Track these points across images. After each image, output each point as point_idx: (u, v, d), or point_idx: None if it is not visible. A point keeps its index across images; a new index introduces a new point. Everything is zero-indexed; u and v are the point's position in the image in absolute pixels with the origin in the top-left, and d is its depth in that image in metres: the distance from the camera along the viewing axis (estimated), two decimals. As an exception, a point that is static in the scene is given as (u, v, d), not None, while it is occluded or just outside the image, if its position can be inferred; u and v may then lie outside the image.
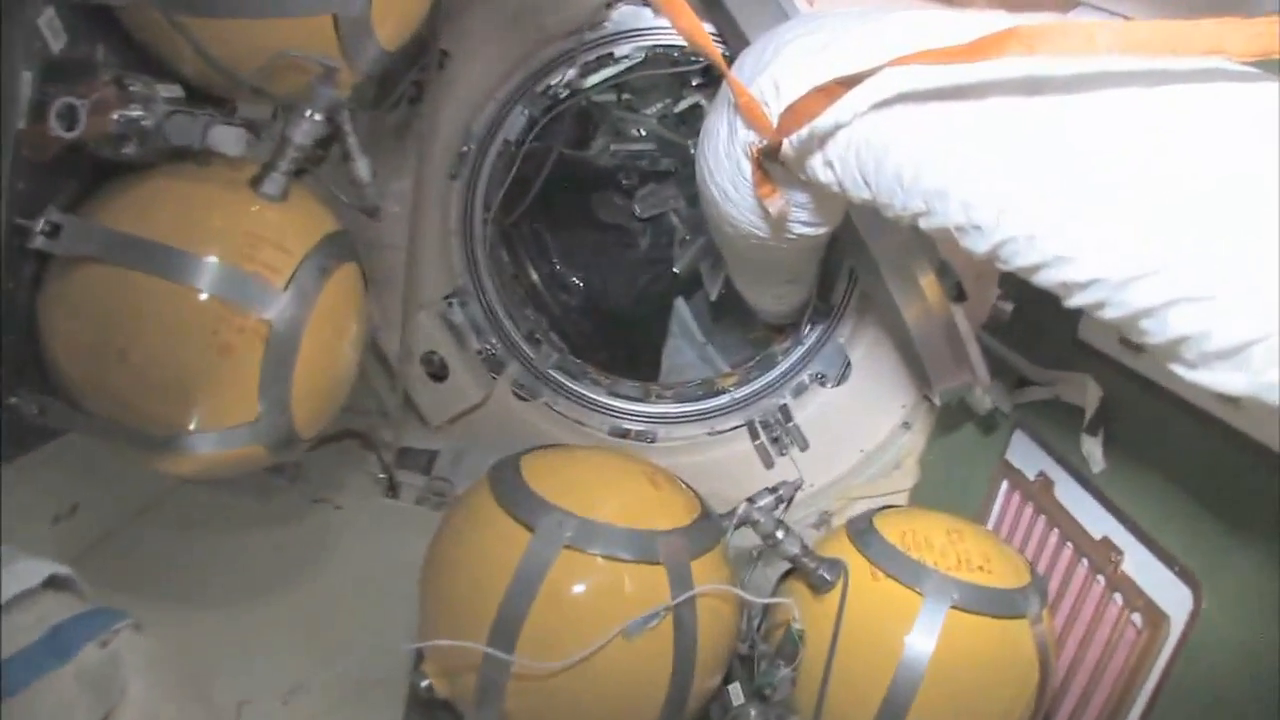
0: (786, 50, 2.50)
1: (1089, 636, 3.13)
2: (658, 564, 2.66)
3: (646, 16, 4.17)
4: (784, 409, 4.67)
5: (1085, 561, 3.21)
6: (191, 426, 2.53)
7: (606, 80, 4.47)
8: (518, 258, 5.62)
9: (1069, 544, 3.31)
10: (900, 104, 2.05)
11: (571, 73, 4.30)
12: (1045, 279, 1.83)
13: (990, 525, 3.79)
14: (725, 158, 2.85)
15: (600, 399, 4.85)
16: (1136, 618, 2.94)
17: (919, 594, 2.81)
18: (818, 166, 2.39)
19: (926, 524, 3.08)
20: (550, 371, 4.83)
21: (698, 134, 3.64)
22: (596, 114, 5.31)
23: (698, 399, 4.86)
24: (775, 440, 4.62)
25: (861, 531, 3.07)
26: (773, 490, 3.17)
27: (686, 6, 2.45)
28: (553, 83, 4.35)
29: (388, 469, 4.46)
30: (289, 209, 2.66)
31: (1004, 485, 3.80)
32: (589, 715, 2.71)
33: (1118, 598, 3.03)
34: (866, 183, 2.23)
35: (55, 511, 3.19)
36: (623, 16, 4.18)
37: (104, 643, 1.97)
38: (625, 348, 5.81)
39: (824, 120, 2.24)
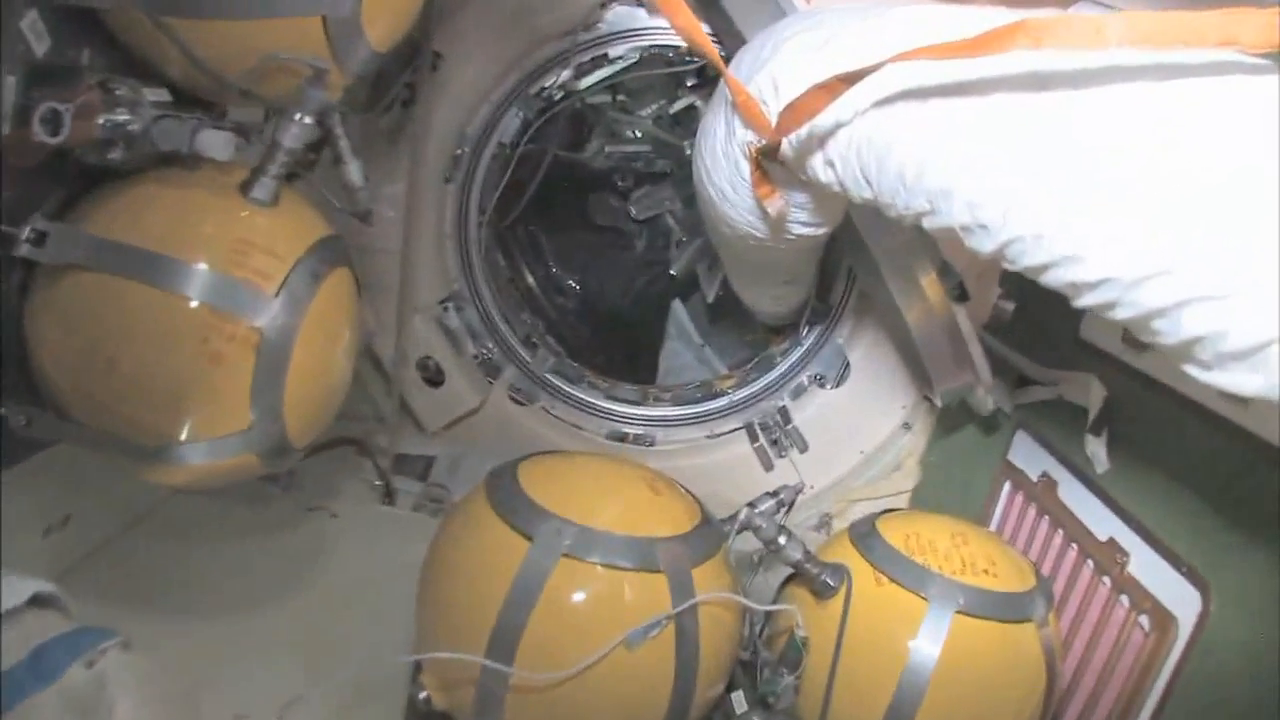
0: (785, 48, 2.46)
1: (1095, 639, 3.11)
2: (658, 572, 2.61)
3: (641, 17, 4.16)
4: (783, 411, 4.66)
5: (1090, 563, 3.19)
6: (182, 436, 2.48)
7: (601, 81, 4.46)
8: (513, 261, 5.62)
9: (1074, 545, 3.29)
10: (903, 101, 2.02)
11: (566, 74, 4.30)
12: (1053, 279, 1.79)
13: (993, 527, 3.77)
14: (723, 158, 2.81)
15: (598, 402, 4.84)
16: (1144, 620, 2.91)
17: (924, 599, 2.77)
18: (818, 166, 2.35)
19: (930, 527, 3.04)
20: (547, 375, 4.82)
21: (693, 135, 3.63)
22: (591, 116, 5.30)
23: (696, 401, 4.85)
24: (775, 442, 4.61)
25: (864, 535, 3.04)
26: (773, 494, 3.15)
27: (683, 4, 2.42)
28: (547, 84, 4.34)
29: (384, 476, 4.41)
30: (279, 214, 2.61)
31: (1006, 486, 3.78)
32: (590, 727, 2.67)
33: (1124, 599, 3.01)
34: (868, 182, 2.20)
35: (46, 523, 3.13)
36: (617, 17, 4.17)
37: (90, 663, 1.93)
38: (623, 351, 5.81)
39: (824, 118, 2.20)
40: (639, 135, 5.35)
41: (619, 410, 4.84)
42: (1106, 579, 3.09)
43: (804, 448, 4.58)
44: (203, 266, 2.39)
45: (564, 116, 4.85)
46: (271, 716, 2.92)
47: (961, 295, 3.51)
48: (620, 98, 5.12)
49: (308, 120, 2.56)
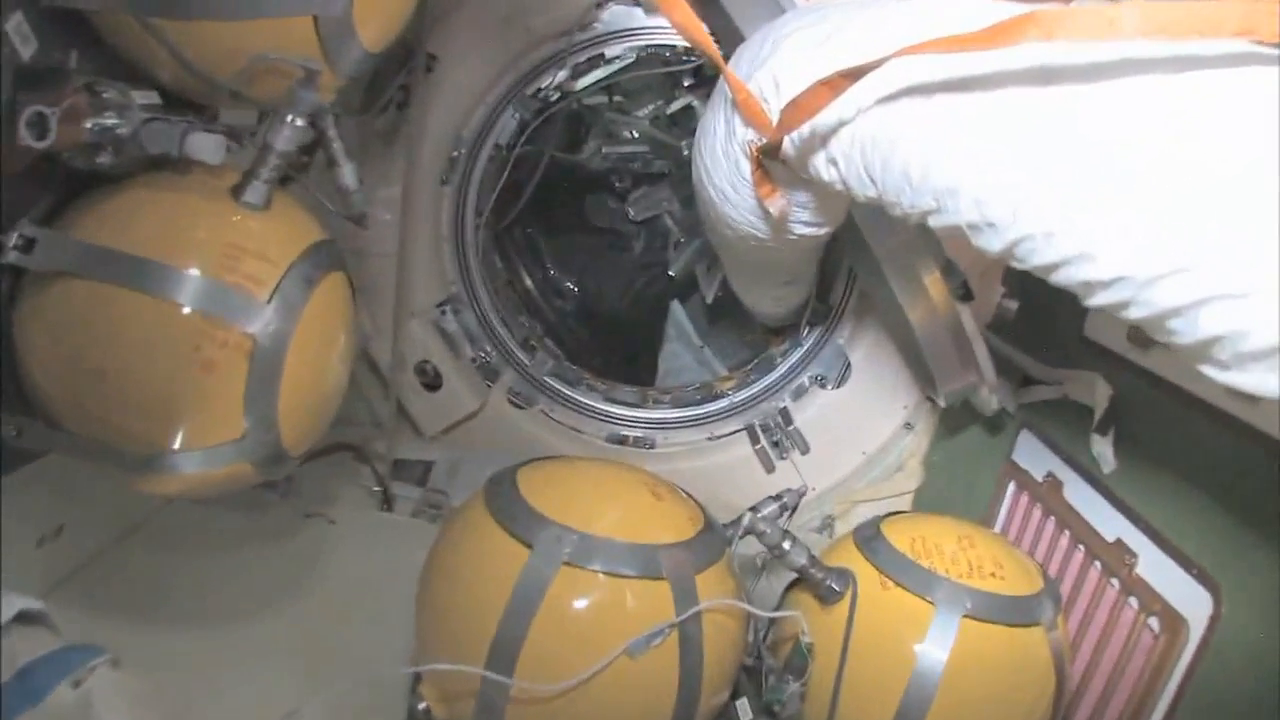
0: (786, 44, 2.41)
1: (1104, 641, 3.08)
2: (661, 579, 2.58)
3: (638, 16, 4.16)
4: (784, 412, 4.65)
5: (1098, 564, 3.16)
6: (174, 445, 2.43)
7: (598, 82, 4.45)
8: (511, 263, 5.62)
9: (1080, 546, 3.26)
10: (908, 97, 1.97)
11: (562, 75, 4.30)
12: (1064, 278, 1.74)
13: (998, 527, 3.75)
14: (723, 157, 2.77)
15: (597, 405, 4.83)
16: (1153, 622, 2.88)
17: (930, 603, 2.75)
18: (821, 164, 2.31)
19: (937, 530, 3.01)
20: (546, 378, 4.81)
21: (691, 135, 3.61)
22: (588, 117, 5.29)
23: (696, 403, 4.84)
24: (776, 444, 4.60)
25: (869, 539, 3.01)
26: (776, 498, 3.12)
27: (682, 0, 2.38)
28: (543, 85, 4.34)
29: (382, 481, 4.38)
30: (272, 218, 2.57)
31: (1011, 487, 3.76)
32: (592, 739, 2.64)
33: (1133, 601, 2.98)
34: (872, 180, 2.15)
35: (40, 534, 3.09)
36: (613, 17, 4.17)
37: (77, 682, 1.88)
38: (621, 353, 5.81)
39: (827, 116, 2.16)
40: (636, 136, 5.34)
41: (618, 413, 4.83)
42: (1114, 580, 3.07)
43: (805, 449, 4.57)
44: (194, 272, 2.35)
45: (561, 118, 4.84)
46: (269, 730, 2.89)
47: (966, 294, 3.46)
48: (617, 98, 5.11)
49: (299, 122, 2.51)
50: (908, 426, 4.46)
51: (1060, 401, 3.47)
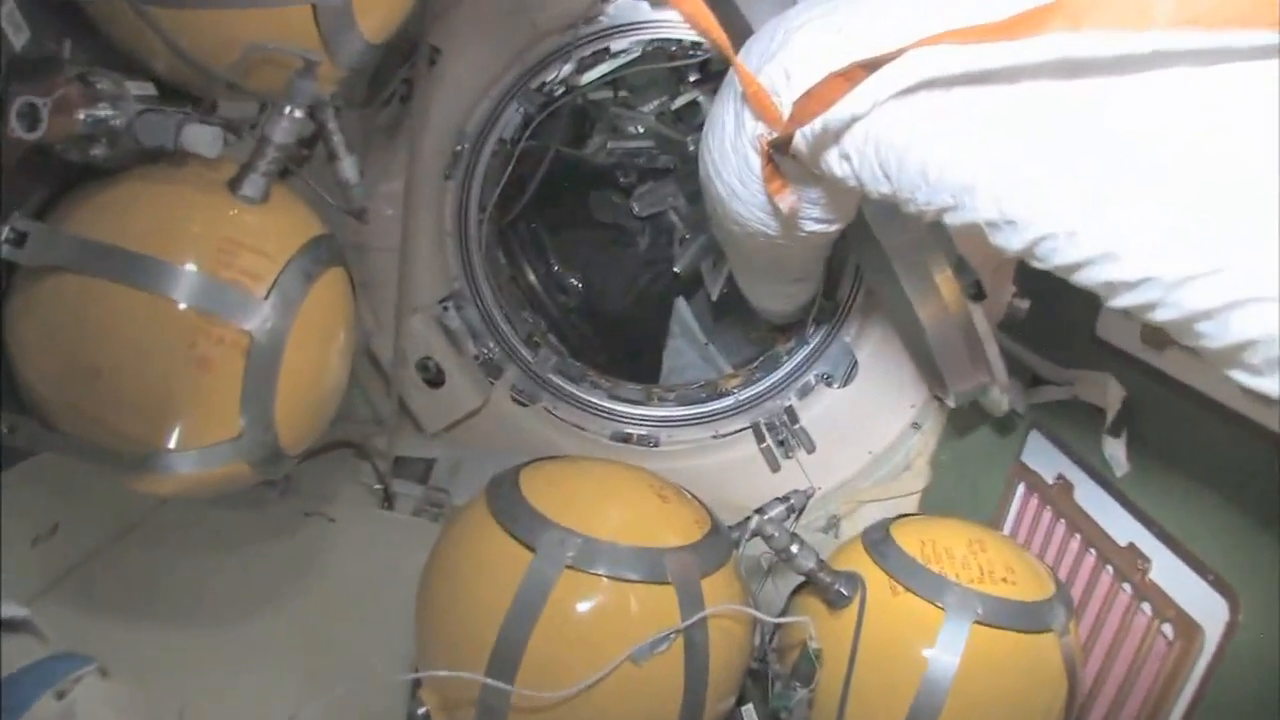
0: (797, 35, 2.36)
1: (1115, 648, 3.04)
2: (666, 584, 2.54)
3: (644, 10, 4.12)
4: (789, 410, 4.63)
5: (1109, 569, 3.12)
6: (169, 445, 2.39)
7: (603, 76, 4.42)
8: (514, 259, 5.60)
9: (1092, 550, 3.22)
10: (926, 89, 1.91)
11: (567, 68, 4.26)
12: (1087, 278, 1.69)
13: (1007, 529, 3.70)
14: (732, 152, 2.72)
15: (601, 403, 4.81)
16: (1167, 629, 2.84)
17: (940, 609, 2.70)
18: (833, 160, 2.26)
19: (947, 533, 2.97)
20: (549, 375, 4.78)
21: (696, 131, 3.56)
22: (593, 111, 5.26)
23: (701, 401, 4.82)
24: (781, 443, 4.58)
25: (878, 542, 2.96)
26: (784, 500, 3.08)
27: (692, -13, 2.33)
28: (548, 79, 4.30)
29: (383, 479, 4.32)
30: (270, 212, 2.52)
31: (1020, 488, 3.71)
32: (595, 747, 2.60)
33: (1146, 607, 2.93)
34: (887, 176, 2.10)
35: (35, 532, 3.05)
36: (619, 10, 4.13)
37: (60, 693, 1.82)
38: (626, 350, 5.79)
39: (841, 109, 2.10)
40: (641, 131, 5.29)
41: (622, 410, 4.80)
42: (1127, 586, 3.02)
43: (811, 448, 4.54)
44: (189, 268, 2.31)
45: (565, 112, 4.82)
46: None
47: (978, 293, 3.41)
48: (622, 93, 5.08)
49: (298, 114, 2.47)
50: (915, 426, 4.43)
51: (1071, 402, 3.43)
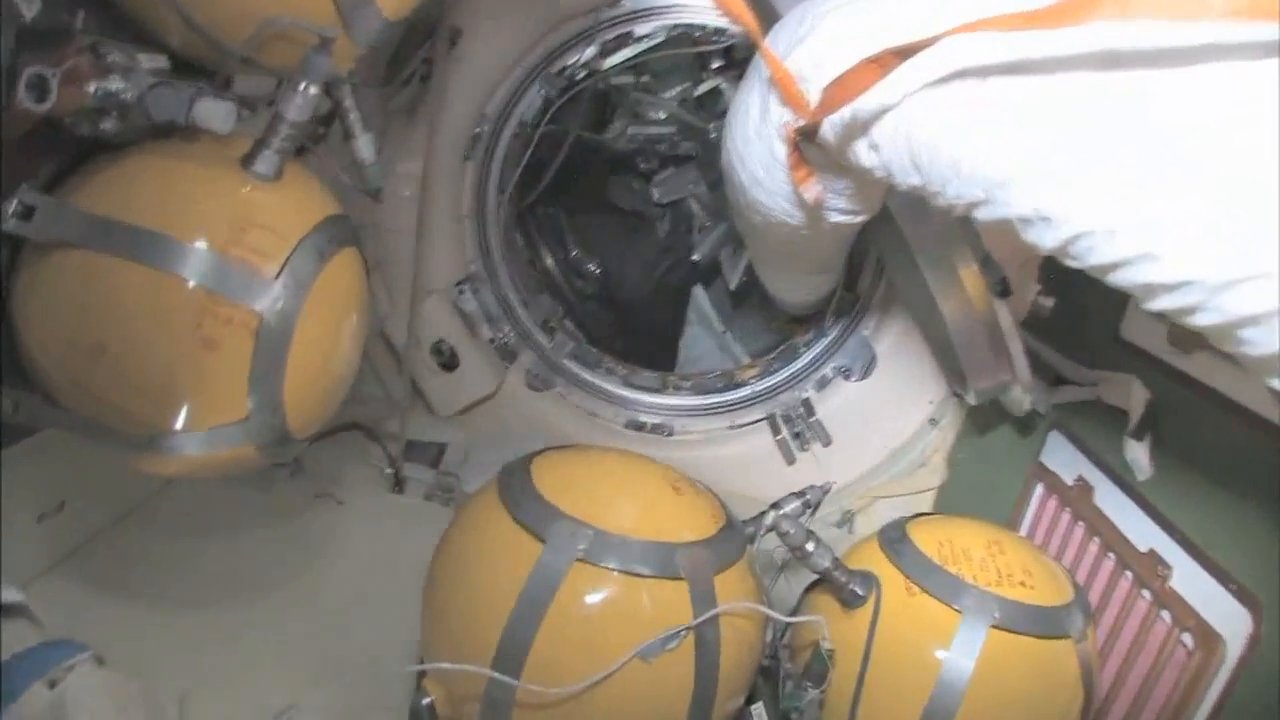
0: (826, 20, 2.30)
1: (1133, 655, 3.01)
2: (679, 579, 2.50)
3: (669, -8, 4.04)
4: (806, 403, 4.60)
5: (1129, 574, 3.08)
6: (175, 426, 2.34)
7: (626, 61, 4.36)
8: (532, 243, 5.58)
9: (1111, 554, 3.19)
10: (960, 79, 1.85)
11: (590, 51, 4.23)
12: (1124, 279, 1.62)
13: (1024, 530, 3.68)
14: (757, 139, 2.67)
15: (616, 390, 4.78)
16: (1187, 638, 2.80)
17: (957, 611, 2.67)
18: (861, 150, 2.20)
19: (965, 534, 2.93)
20: (564, 361, 4.75)
21: (718, 118, 3.50)
22: (614, 96, 5.23)
23: (717, 391, 4.79)
24: (797, 435, 4.55)
25: (894, 541, 2.93)
26: (800, 495, 3.04)
27: (718, -33, 2.27)
28: (570, 63, 4.27)
29: (394, 462, 4.29)
30: (283, 190, 2.47)
31: (1039, 489, 3.68)
32: (602, 745, 2.57)
33: (1165, 615, 2.90)
34: (917, 168, 2.04)
35: (40, 509, 3.01)
36: (643, -8, 4.08)
37: (52, 682, 1.78)
38: (642, 337, 5.76)
39: (870, 98, 2.04)
40: (663, 117, 5.26)
41: (637, 398, 4.77)
42: (1146, 592, 2.98)
43: (827, 441, 4.51)
44: (199, 245, 2.25)
45: (587, 96, 4.76)
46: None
47: (1004, 290, 3.35)
48: (644, 78, 5.04)
49: (313, 90, 2.41)
50: (933, 422, 4.40)
51: (1093, 403, 3.39)
